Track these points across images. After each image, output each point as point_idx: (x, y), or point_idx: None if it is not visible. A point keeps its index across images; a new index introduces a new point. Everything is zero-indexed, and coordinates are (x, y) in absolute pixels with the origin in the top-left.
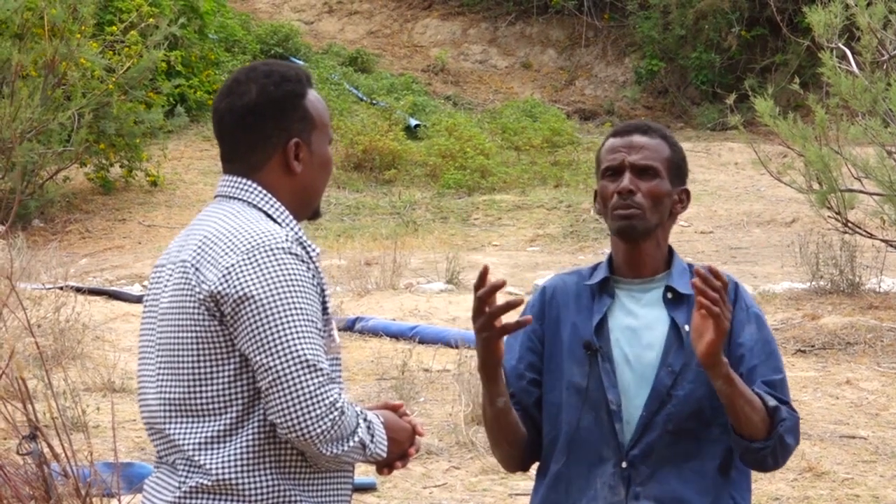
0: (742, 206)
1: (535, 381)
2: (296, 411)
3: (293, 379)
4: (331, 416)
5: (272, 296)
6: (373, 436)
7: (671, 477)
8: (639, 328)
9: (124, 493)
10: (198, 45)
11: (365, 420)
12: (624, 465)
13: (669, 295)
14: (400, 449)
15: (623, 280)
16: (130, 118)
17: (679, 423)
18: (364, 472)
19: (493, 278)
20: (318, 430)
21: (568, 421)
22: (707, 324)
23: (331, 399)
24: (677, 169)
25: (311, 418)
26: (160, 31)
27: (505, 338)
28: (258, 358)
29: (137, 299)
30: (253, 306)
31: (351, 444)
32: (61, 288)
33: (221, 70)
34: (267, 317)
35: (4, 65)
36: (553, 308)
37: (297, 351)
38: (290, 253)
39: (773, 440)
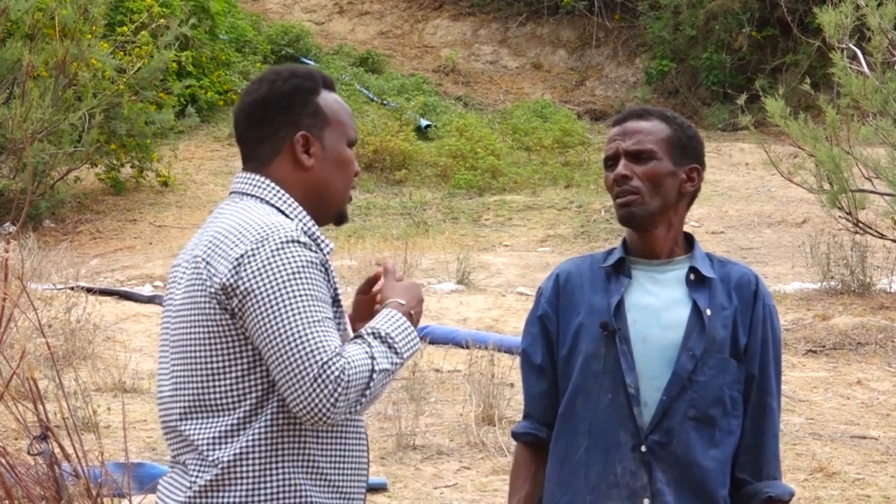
0: (753, 207)
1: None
2: (305, 399)
3: (296, 368)
4: (337, 392)
5: (277, 286)
6: (396, 352)
7: (693, 465)
8: (658, 308)
9: (135, 493)
10: (208, 45)
11: (373, 358)
12: (643, 449)
13: (692, 276)
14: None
15: (640, 261)
16: (141, 119)
17: (702, 410)
18: (375, 473)
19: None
20: (331, 409)
21: (584, 404)
22: None
23: (334, 376)
24: (681, 148)
25: (320, 401)
26: (171, 31)
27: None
28: (265, 349)
29: (148, 300)
30: (258, 297)
31: (370, 391)
32: (72, 288)
33: (232, 70)
34: (271, 307)
35: (15, 65)
36: (567, 293)
37: (298, 337)
38: (298, 242)
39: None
